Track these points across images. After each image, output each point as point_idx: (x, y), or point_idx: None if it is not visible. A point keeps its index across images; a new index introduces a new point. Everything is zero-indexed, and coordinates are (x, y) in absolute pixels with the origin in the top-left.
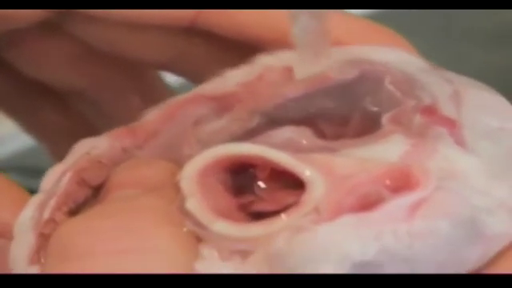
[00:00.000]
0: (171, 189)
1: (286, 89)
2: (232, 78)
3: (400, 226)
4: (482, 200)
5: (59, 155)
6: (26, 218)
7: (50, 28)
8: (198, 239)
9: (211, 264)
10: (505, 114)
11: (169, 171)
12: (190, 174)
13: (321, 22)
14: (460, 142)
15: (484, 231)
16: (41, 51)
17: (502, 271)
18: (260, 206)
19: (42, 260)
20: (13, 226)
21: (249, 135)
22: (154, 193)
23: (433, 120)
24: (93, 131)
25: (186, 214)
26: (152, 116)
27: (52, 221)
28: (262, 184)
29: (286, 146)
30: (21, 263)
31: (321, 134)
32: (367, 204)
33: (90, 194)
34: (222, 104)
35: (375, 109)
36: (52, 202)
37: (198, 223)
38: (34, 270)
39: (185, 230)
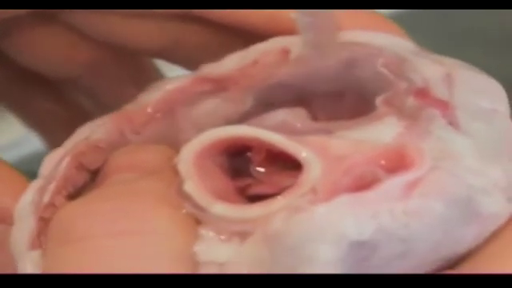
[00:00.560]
0: (169, 172)
1: (279, 70)
2: (228, 63)
3: (396, 205)
4: (477, 180)
5: (56, 144)
6: (26, 202)
7: (44, 16)
8: (197, 221)
9: (210, 245)
10: (496, 96)
11: (166, 155)
12: (187, 157)
13: (327, 21)
14: (453, 124)
15: (479, 211)
16: (35, 40)
17: (496, 251)
18: (257, 189)
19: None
20: (13, 212)
21: (244, 119)
22: (152, 176)
23: (425, 102)
24: (88, 120)
25: (185, 196)
26: (148, 100)
27: (52, 205)
28: (258, 167)
29: (280, 128)
30: (22, 248)
31: (314, 117)
32: (363, 184)
33: (89, 178)
34: (218, 86)
35: (368, 91)
36: (51, 187)
37: (196, 205)
38: (35, 254)
39: (183, 212)
